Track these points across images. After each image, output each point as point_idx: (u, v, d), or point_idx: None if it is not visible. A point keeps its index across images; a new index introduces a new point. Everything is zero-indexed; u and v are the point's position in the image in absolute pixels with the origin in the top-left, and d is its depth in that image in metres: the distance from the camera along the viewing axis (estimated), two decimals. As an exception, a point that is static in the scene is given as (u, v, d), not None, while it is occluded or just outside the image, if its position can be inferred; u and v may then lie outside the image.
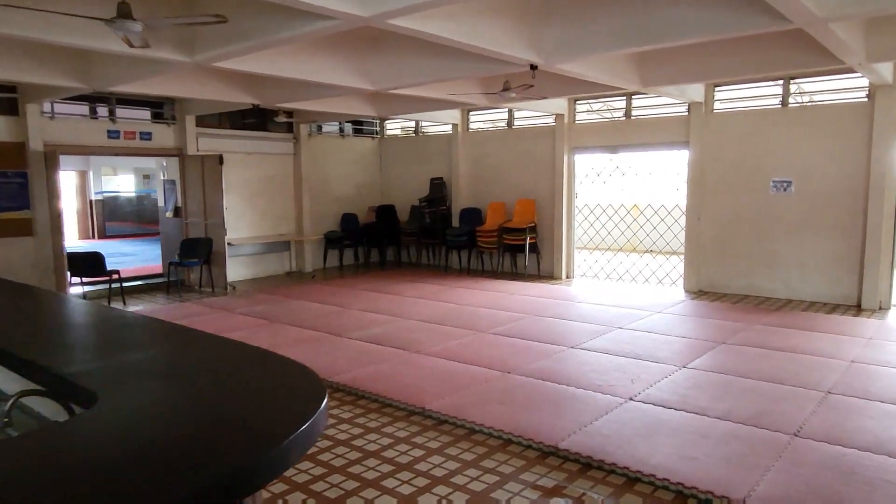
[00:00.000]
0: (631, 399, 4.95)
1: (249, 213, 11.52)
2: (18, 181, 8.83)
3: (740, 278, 9.39)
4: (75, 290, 9.26)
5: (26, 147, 8.81)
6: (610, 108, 10.87)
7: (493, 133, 12.03)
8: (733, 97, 9.43)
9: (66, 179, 18.36)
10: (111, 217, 18.66)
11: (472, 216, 12.00)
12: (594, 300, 8.99)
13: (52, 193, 8.67)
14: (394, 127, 13.81)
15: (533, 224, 11.12)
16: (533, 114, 11.38)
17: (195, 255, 9.96)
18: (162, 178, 11.15)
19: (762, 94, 9.16)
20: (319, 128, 12.69)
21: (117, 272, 9.00)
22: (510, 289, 9.91)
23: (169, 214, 11.05)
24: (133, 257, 14.19)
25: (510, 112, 11.68)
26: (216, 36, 5.66)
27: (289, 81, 8.41)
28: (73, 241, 17.81)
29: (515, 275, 11.41)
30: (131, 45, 5.06)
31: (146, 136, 10.13)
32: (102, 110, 9.76)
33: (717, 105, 9.55)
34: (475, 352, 6.34)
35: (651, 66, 7.70)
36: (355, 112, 10.38)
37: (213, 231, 10.24)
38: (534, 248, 11.19)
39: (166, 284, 10.31)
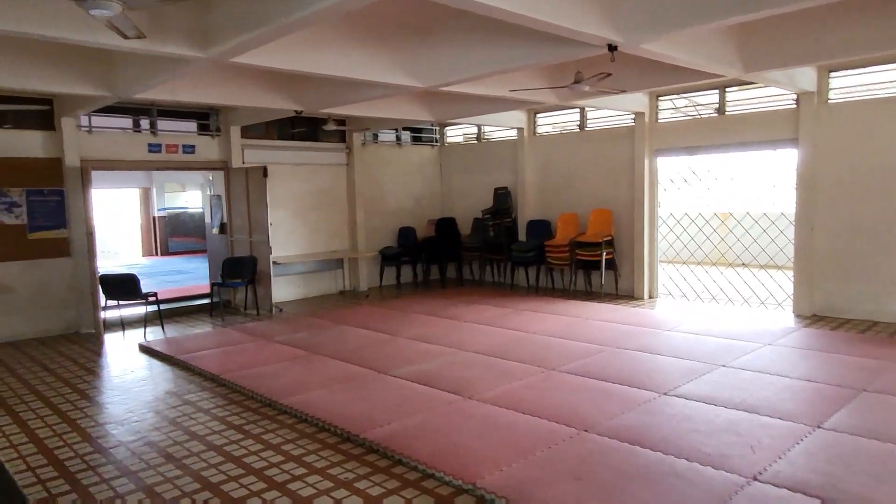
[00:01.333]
0: (755, 478, 3.66)
1: (299, 228, 10.76)
2: (55, 199, 8.35)
3: (867, 301, 7.78)
4: (111, 315, 8.68)
5: (62, 163, 8.32)
6: (695, 104, 9.47)
7: (563, 137, 10.82)
8: (853, 84, 7.87)
9: (130, 197, 18.39)
10: (174, 233, 18.52)
11: (541, 229, 10.81)
12: (685, 327, 7.62)
13: (86, 212, 8.12)
14: (454, 134, 12.82)
15: (610, 237, 9.82)
16: (608, 113, 10.11)
17: (239, 274, 9.24)
18: (208, 192, 10.54)
19: (888, 80, 7.57)
20: (375, 136, 11.84)
21: (154, 295, 8.35)
22: (584, 312, 8.65)
23: (215, 231, 10.43)
24: (188, 275, 13.76)
25: (582, 112, 10.44)
26: (229, 24, 4.80)
27: (330, 82, 7.57)
28: (137, 258, 17.74)
29: (590, 294, 10.12)
30: (125, 36, 4.26)
31: (189, 149, 9.53)
32: (144, 123, 9.22)
33: (832, 94, 8.00)
34: (542, 398, 5.17)
35: (755, 45, 6.34)
36: (408, 116, 9.43)
37: (257, 249, 9.51)
38: (611, 265, 9.87)
39: (210, 306, 9.63)
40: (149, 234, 18.31)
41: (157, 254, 18.19)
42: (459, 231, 11.92)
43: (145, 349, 7.39)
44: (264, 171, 9.19)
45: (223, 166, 9.90)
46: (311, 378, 5.92)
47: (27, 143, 8.11)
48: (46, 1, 4.31)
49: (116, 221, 18.35)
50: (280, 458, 4.30)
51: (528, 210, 11.16)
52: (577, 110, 10.44)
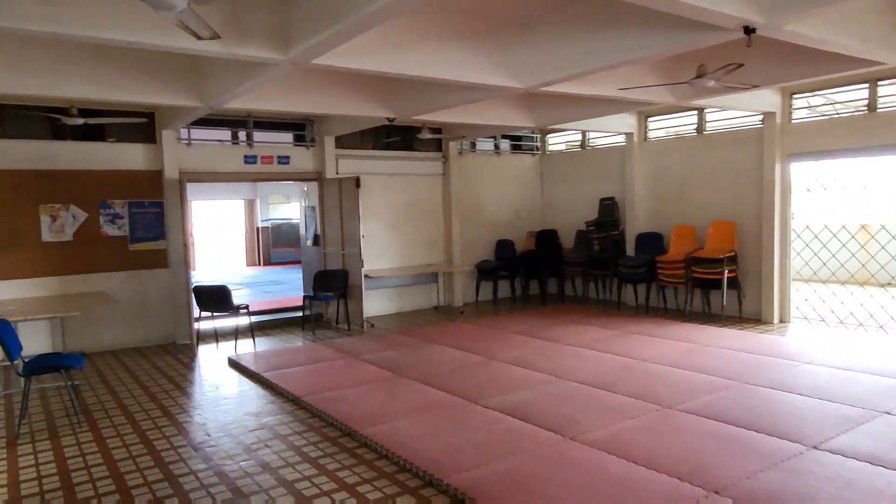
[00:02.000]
0: (960, 584, 2.73)
1: (394, 241, 10.42)
2: (155, 211, 8.45)
3: None
4: (206, 326, 8.66)
5: (162, 175, 8.41)
6: (833, 101, 8.24)
7: (679, 141, 9.83)
8: None
9: (235, 208, 18.98)
10: (276, 244, 18.92)
11: (652, 243, 9.85)
12: (828, 359, 6.49)
13: (182, 223, 8.13)
14: (557, 141, 12.08)
15: (732, 253, 8.73)
16: (732, 114, 9.05)
17: (330, 288, 8.98)
18: (303, 204, 10.44)
19: None
20: (472, 145, 11.34)
21: (246, 307, 8.23)
22: (703, 337, 7.66)
23: (309, 243, 10.29)
24: (285, 286, 13.84)
25: (700, 113, 9.42)
26: (306, 23, 4.43)
27: (423, 87, 7.13)
28: (241, 268, 18.24)
29: (708, 317, 9.05)
30: (198, 37, 3.96)
31: (284, 160, 9.43)
32: (242, 135, 9.21)
33: None
34: (660, 444, 4.38)
35: (927, 24, 5.24)
36: (507, 122, 8.83)
37: (350, 262, 9.23)
38: (733, 283, 8.77)
39: (302, 319, 9.45)
40: (252, 244, 18.81)
41: (259, 264, 18.63)
42: (561, 244, 11.15)
43: (234, 364, 7.22)
44: (357, 182, 8.90)
45: (317, 177, 9.74)
46: (395, 405, 5.43)
47: (130, 156, 8.26)
48: (119, 4, 4.10)
49: (222, 232, 19.01)
50: (354, 502, 3.80)
51: (637, 222, 10.23)
52: (695, 112, 9.44)
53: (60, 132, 7.77)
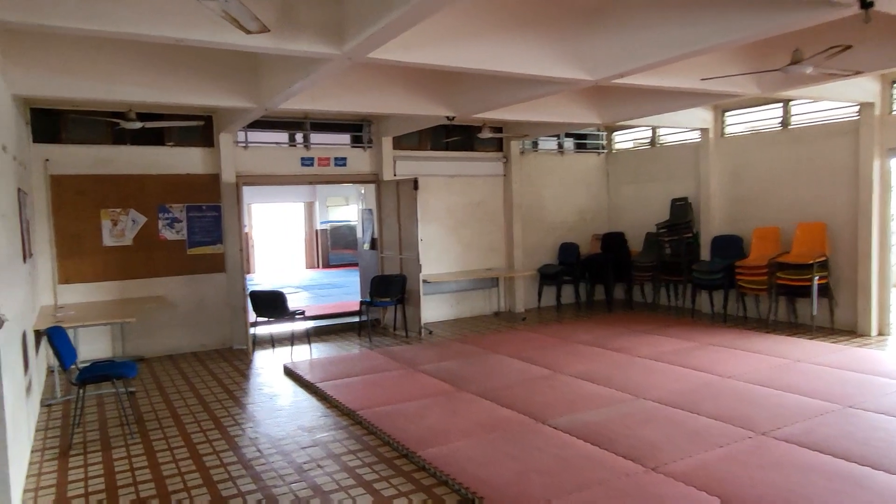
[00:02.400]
0: None
1: (453, 245, 10.06)
2: (212, 215, 8.36)
3: None
4: (263, 331, 8.51)
5: (220, 179, 8.31)
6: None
7: (760, 137, 9.08)
8: None
9: (294, 210, 19.05)
10: (335, 246, 18.89)
11: (730, 246, 9.14)
12: (945, 380, 5.73)
13: (238, 227, 8.00)
14: (624, 139, 11.46)
15: (823, 257, 7.96)
16: (822, 106, 8.26)
17: (387, 293, 8.69)
18: (360, 206, 10.21)
19: None
20: (535, 144, 10.87)
21: (301, 312, 8.03)
22: (793, 351, 6.96)
23: (366, 247, 10.05)
24: (343, 290, 13.69)
25: (786, 106, 8.67)
26: (360, 14, 4.11)
27: (484, 83, 6.76)
28: (300, 270, 18.28)
29: (796, 327, 8.30)
30: (246, 30, 3.69)
31: (341, 161, 9.21)
32: (299, 137, 9.04)
33: None
34: (756, 479, 3.84)
35: None
36: (572, 119, 8.33)
37: (408, 266, 8.93)
38: (824, 291, 7.99)
39: (359, 325, 9.20)
40: (311, 247, 18.84)
41: (318, 266, 18.64)
42: (629, 247, 10.53)
43: (289, 372, 7.01)
44: (415, 184, 8.58)
45: (374, 179, 9.48)
46: (455, 422, 5.05)
47: (188, 160, 8.19)
48: (165, 1, 3.89)
49: (282, 235, 19.12)
50: (410, 537, 3.45)
51: (712, 224, 9.53)
52: (780, 105, 8.69)
53: (120, 137, 7.76)
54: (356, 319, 9.39)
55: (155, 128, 7.32)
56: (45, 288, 7.45)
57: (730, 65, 6.20)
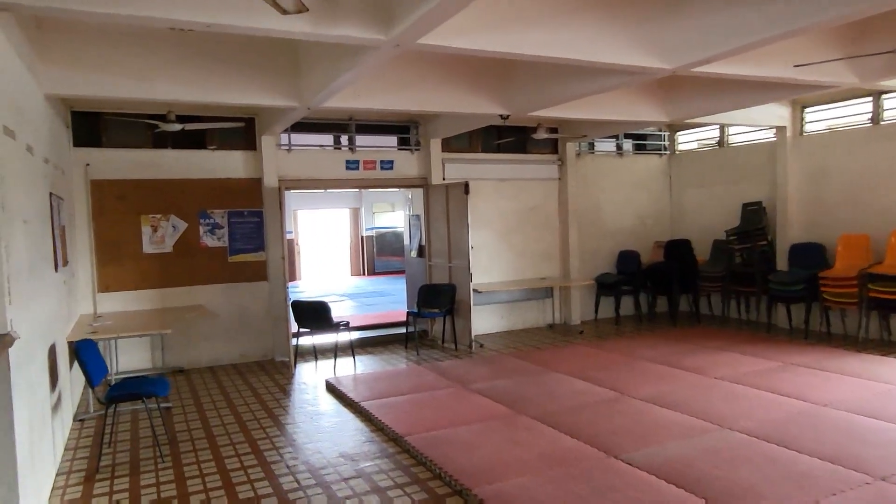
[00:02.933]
0: None
1: (504, 252, 9.49)
2: (254, 221, 8.02)
3: None
4: (306, 342, 8.11)
5: (262, 183, 7.97)
6: None
7: (845, 135, 8.24)
8: None
9: (340, 217, 18.78)
10: (381, 253, 18.55)
11: (811, 255, 8.31)
12: None
13: (281, 234, 7.63)
14: (688, 139, 10.71)
15: (924, 268, 7.09)
16: (919, 98, 7.41)
17: (436, 304, 8.18)
18: (407, 212, 9.75)
19: None
20: (591, 146, 10.22)
21: (346, 324, 7.60)
22: (894, 374, 6.14)
23: (413, 254, 9.57)
24: (388, 298, 13.27)
25: (877, 99, 7.82)
26: (414, -12, 3.62)
27: (541, 78, 6.24)
28: (345, 278, 17.98)
29: (889, 345, 7.43)
30: (283, 10, 3.26)
31: (387, 165, 8.77)
32: (343, 139, 8.65)
33: None
34: (888, 541, 3.16)
35: None
36: (637, 118, 7.69)
37: (457, 275, 8.41)
38: (925, 307, 7.12)
39: (406, 337, 8.72)
40: (357, 253, 18.52)
41: (363, 274, 18.31)
42: (695, 255, 9.77)
43: (332, 388, 6.56)
44: (465, 188, 8.07)
45: (422, 183, 9.01)
46: (514, 453, 4.49)
47: (229, 164, 7.88)
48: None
49: (327, 242, 18.89)
50: None
51: (790, 231, 8.71)
52: (869, 99, 7.85)
53: (161, 140, 7.49)
54: (402, 330, 8.92)
55: (196, 130, 7.01)
56: (84, 296, 7.21)
57: (821, 50, 5.50)
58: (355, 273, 18.43)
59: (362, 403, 5.82)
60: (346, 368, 7.50)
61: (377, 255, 18.53)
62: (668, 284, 9.65)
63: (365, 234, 18.32)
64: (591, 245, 10.07)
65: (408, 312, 8.47)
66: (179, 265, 7.64)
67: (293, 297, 7.52)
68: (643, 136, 10.62)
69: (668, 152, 10.79)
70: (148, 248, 7.52)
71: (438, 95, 6.58)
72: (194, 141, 7.67)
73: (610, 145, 10.45)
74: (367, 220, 18.29)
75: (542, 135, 8.32)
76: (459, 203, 8.21)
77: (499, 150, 9.45)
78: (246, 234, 7.97)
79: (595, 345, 8.22)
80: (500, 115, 6.96)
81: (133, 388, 4.85)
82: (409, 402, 5.84)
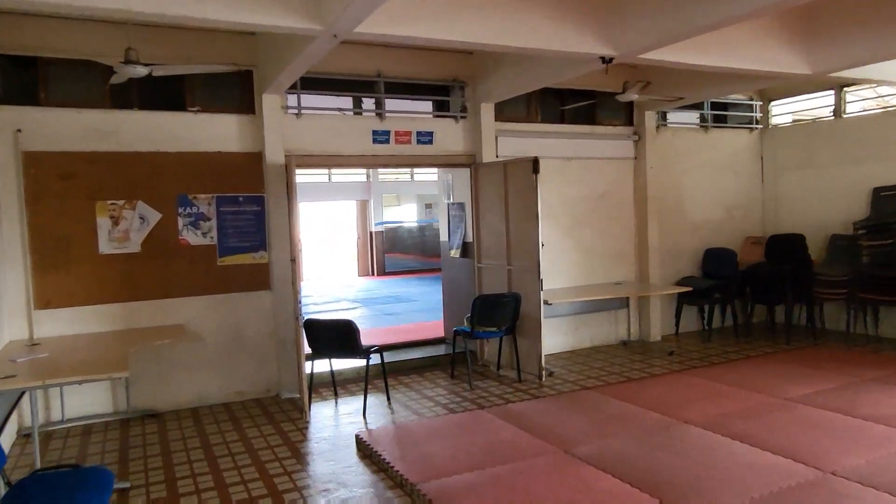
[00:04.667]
0: None
1: (570, 251, 7.48)
2: (252, 210, 5.98)
3: None
4: (321, 368, 6.05)
5: (263, 159, 5.94)
6: None
7: None
8: None
9: (347, 210, 16.74)
10: (392, 250, 16.51)
11: None
12: None
13: (290, 228, 5.58)
14: (784, 111, 8.72)
15: None
16: None
17: (496, 320, 6.15)
18: (446, 200, 7.71)
19: None
20: (664, 116, 8.16)
21: (377, 350, 5.58)
22: None
23: (453, 253, 7.52)
24: (408, 305, 11.24)
25: None
26: None
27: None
28: (352, 279, 15.93)
29: None
30: None
31: (425, 137, 6.74)
32: (368, 102, 6.61)
33: None
34: None
35: None
36: (770, 67, 5.66)
37: (519, 281, 6.40)
38: None
39: (449, 359, 6.70)
40: (365, 251, 16.45)
41: (372, 274, 16.24)
42: (806, 255, 7.77)
43: (366, 450, 4.53)
44: (534, 165, 6.05)
45: (470, 161, 6.97)
46: None
47: (219, 132, 5.83)
48: None
49: (332, 239, 16.86)
50: None
51: (947, 222, 6.75)
52: None
53: (123, 97, 5.44)
54: (440, 350, 6.94)
55: (170, 78, 4.98)
56: (14, 314, 5.16)
57: None
58: (363, 273, 16.35)
59: (420, 486, 3.80)
60: (379, 411, 5.48)
61: (387, 253, 16.49)
62: (776, 291, 7.63)
63: (374, 229, 16.22)
64: (670, 242, 8.07)
65: (455, 331, 6.42)
66: (150, 270, 5.59)
67: (304, 311, 5.44)
68: (723, 106, 8.61)
69: (759, 126, 8.79)
70: (106, 247, 5.46)
71: (512, 24, 4.58)
72: (170, 99, 5.63)
73: (691, 116, 8.43)
74: (377, 213, 16.21)
75: (632, 95, 6.30)
76: (524, 186, 6.19)
77: (562, 119, 7.43)
78: (241, 227, 5.93)
79: (701, 373, 6.24)
80: (602, 58, 4.95)
81: (44, 490, 2.80)
82: (493, 486, 3.81)
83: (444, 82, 6.85)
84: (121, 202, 5.49)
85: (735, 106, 8.67)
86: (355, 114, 6.52)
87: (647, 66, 5.74)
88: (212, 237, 5.82)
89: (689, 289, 7.23)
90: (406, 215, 19.51)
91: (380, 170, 15.96)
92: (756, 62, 5.53)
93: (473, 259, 7.09)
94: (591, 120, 7.60)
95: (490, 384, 6.21)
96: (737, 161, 8.64)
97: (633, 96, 6.34)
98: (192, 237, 5.76)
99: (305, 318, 5.46)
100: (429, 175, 16.66)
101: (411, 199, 19.15)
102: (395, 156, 6.61)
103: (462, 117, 6.91)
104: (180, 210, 5.71)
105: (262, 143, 5.90)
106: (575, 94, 7.41)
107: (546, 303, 6.30)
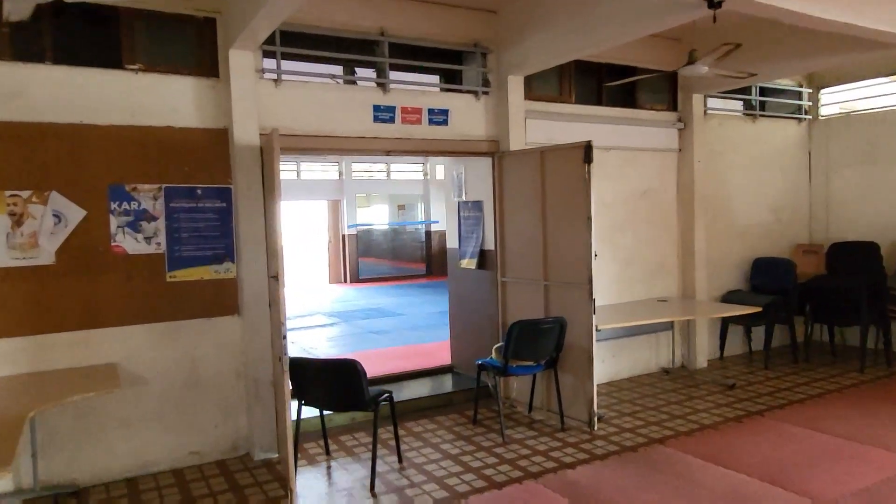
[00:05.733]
0: None
1: (609, 261, 6.12)
2: (216, 206, 4.44)
3: None
4: (305, 413, 4.53)
5: (230, 139, 4.41)
6: None
7: None
8: None
9: (318, 210, 15.14)
10: (365, 255, 14.99)
11: None
12: None
13: (272, 232, 4.07)
14: (836, 101, 7.60)
15: None
16: None
17: (535, 352, 4.75)
18: (456, 198, 6.26)
19: None
20: (704, 101, 6.89)
21: (388, 398, 4.12)
22: None
23: (466, 263, 6.06)
24: (393, 319, 9.76)
25: None
26: None
27: None
28: (323, 286, 14.31)
29: None
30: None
31: (439, 116, 5.30)
32: (368, 72, 5.14)
33: None
34: None
35: None
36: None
37: (560, 300, 5.02)
38: None
39: (466, 397, 5.28)
40: (337, 256, 14.85)
41: (345, 281, 14.66)
42: (885, 267, 6.63)
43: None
44: (586, 153, 4.69)
45: (493, 149, 5.56)
46: None
47: (169, 99, 4.28)
48: None
49: (300, 243, 15.24)
50: None
51: None
52: None
53: (30, 46, 3.85)
54: (447, 380, 5.55)
55: (94, 21, 3.44)
56: None
57: None
58: (335, 280, 14.73)
59: None
60: (389, 478, 4.03)
61: (360, 258, 14.95)
62: (846, 310, 6.43)
63: (347, 232, 14.61)
64: (716, 250, 6.84)
65: (480, 365, 4.98)
66: (69, 290, 4.00)
67: (287, 351, 3.91)
68: (768, 93, 7.42)
69: (808, 116, 7.64)
70: (3, 256, 3.85)
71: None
72: (99, 51, 4.06)
73: (733, 103, 7.21)
74: (350, 214, 14.61)
75: (699, 69, 4.98)
76: (571, 180, 4.83)
77: (599, 100, 6.11)
78: (200, 230, 4.38)
79: (789, 416, 5.00)
80: (709, 2, 3.61)
81: None
82: None
83: (463, 47, 5.42)
84: (25, 193, 3.89)
85: (781, 93, 7.50)
86: (347, 83, 5.04)
87: (700, 34, 4.45)
88: (158, 243, 4.26)
89: (759, 309, 5.95)
90: (377, 217, 18.07)
91: (353, 166, 14.46)
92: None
93: (495, 271, 5.67)
94: (631, 102, 6.29)
95: (526, 434, 4.82)
96: (783, 156, 7.47)
97: (702, 69, 5.02)
98: (130, 243, 4.18)
99: (290, 357, 3.93)
100: (406, 172, 15.23)
101: (383, 199, 17.70)
102: (401, 139, 5.14)
103: (484, 93, 5.49)
104: (113, 206, 4.13)
105: (229, 117, 4.37)
106: (612, 71, 6.10)
107: (597, 328, 4.93)
